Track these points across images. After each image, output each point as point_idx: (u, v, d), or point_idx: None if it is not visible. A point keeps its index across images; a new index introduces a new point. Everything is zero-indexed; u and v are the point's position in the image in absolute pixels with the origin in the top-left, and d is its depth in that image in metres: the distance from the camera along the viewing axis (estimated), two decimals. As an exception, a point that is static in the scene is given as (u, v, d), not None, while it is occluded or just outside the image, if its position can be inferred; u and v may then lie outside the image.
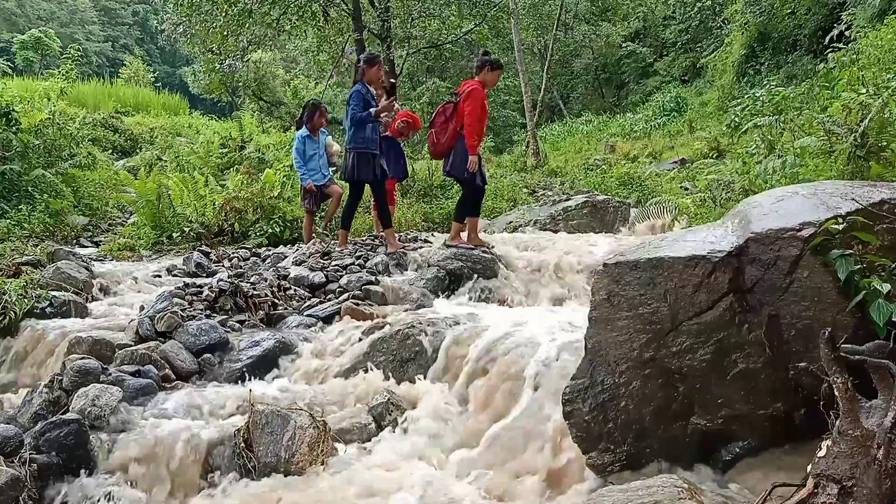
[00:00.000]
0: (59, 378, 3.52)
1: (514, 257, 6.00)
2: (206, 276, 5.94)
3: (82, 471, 3.06)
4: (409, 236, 7.25)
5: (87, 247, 8.22)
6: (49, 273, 5.40)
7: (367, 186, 6.44)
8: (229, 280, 5.04)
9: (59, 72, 12.63)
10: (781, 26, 17.23)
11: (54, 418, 3.15)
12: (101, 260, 7.14)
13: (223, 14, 14.49)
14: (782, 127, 5.45)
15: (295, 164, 7.48)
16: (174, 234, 7.97)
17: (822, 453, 2.04)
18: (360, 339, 4.22)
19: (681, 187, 10.65)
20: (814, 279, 2.35)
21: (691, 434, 2.50)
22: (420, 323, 4.09)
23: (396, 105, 6.68)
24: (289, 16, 14.99)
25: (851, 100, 5.15)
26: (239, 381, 3.89)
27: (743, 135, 7.52)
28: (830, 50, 8.34)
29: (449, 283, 5.46)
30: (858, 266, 2.27)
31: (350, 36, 15.76)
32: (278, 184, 8.57)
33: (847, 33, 11.65)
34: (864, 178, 4.33)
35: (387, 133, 7.34)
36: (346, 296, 5.04)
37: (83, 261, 6.12)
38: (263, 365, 4.06)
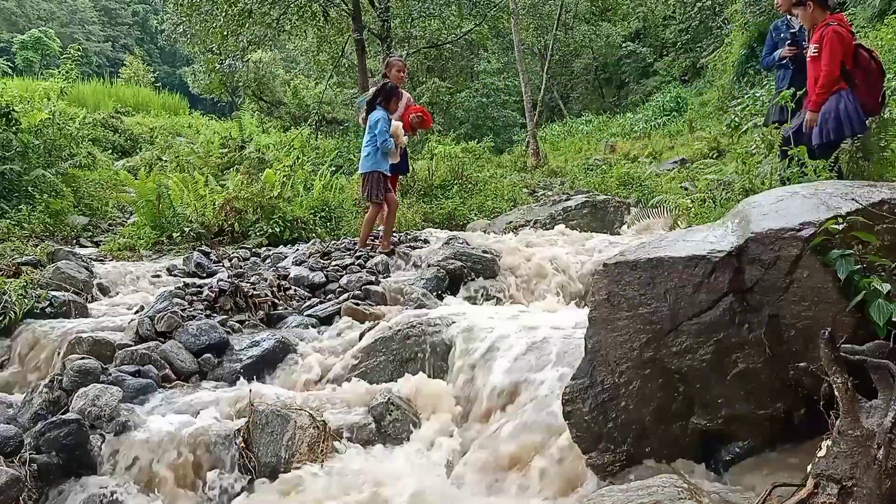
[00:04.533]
0: (59, 378, 3.52)
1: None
2: (206, 276, 5.94)
3: (82, 471, 3.06)
4: (409, 236, 7.25)
5: (87, 247, 8.22)
6: (49, 273, 5.40)
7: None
8: (229, 280, 5.04)
9: (59, 72, 12.63)
10: (782, 26, 17.22)
11: (54, 418, 3.15)
12: (101, 260, 7.14)
13: (223, 14, 14.50)
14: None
15: (382, 141, 6.29)
16: (174, 234, 7.97)
17: (822, 453, 2.04)
18: (360, 339, 4.22)
19: (681, 187, 10.66)
20: (814, 279, 2.35)
21: (691, 434, 2.50)
22: (420, 323, 4.08)
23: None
24: (289, 16, 15.00)
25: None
26: (239, 381, 3.89)
27: (743, 135, 7.51)
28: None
29: (449, 283, 5.47)
30: (858, 266, 2.27)
31: (350, 36, 15.77)
32: (278, 184, 8.57)
33: (847, 33, 11.62)
34: (864, 178, 4.33)
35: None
36: (346, 296, 5.04)
37: (83, 261, 6.12)
38: (263, 365, 4.06)
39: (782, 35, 5.92)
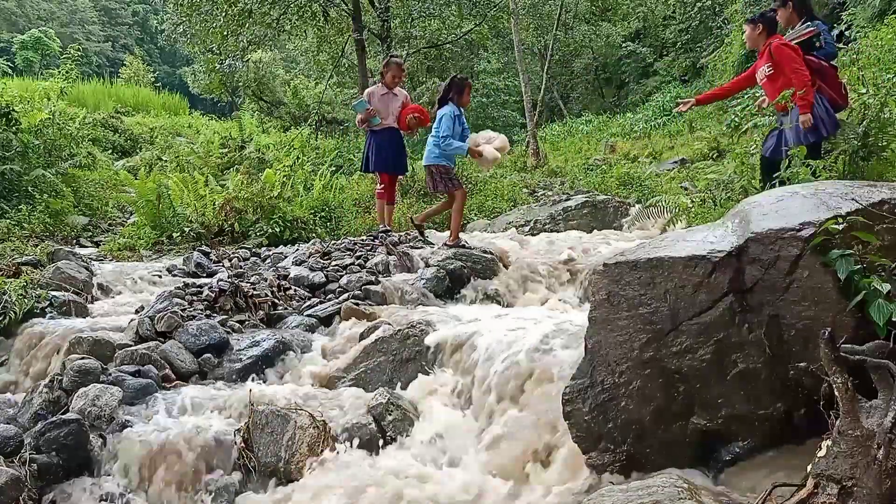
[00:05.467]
0: (59, 378, 3.53)
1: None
2: (206, 276, 5.94)
3: (82, 471, 3.07)
4: (409, 236, 7.24)
5: (87, 247, 8.21)
6: (49, 273, 5.40)
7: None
8: (229, 280, 5.04)
9: (59, 72, 12.62)
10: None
11: (54, 418, 3.16)
12: (101, 260, 7.13)
13: (223, 14, 14.50)
14: (782, 127, 5.44)
15: (444, 142, 5.95)
16: (174, 234, 7.97)
17: (822, 453, 2.04)
18: (360, 339, 4.22)
19: (681, 187, 10.65)
20: (814, 279, 2.35)
21: (691, 434, 2.50)
22: (420, 323, 4.09)
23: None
24: (289, 16, 15.00)
25: (852, 100, 5.15)
26: (239, 381, 3.89)
27: (743, 135, 7.51)
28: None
29: (449, 283, 5.47)
30: (858, 266, 2.27)
31: (350, 36, 15.77)
32: (278, 184, 8.57)
33: (847, 33, 11.65)
34: (864, 178, 4.33)
35: (393, 125, 7.03)
36: (346, 296, 5.04)
37: (83, 261, 6.11)
38: (263, 365, 4.06)
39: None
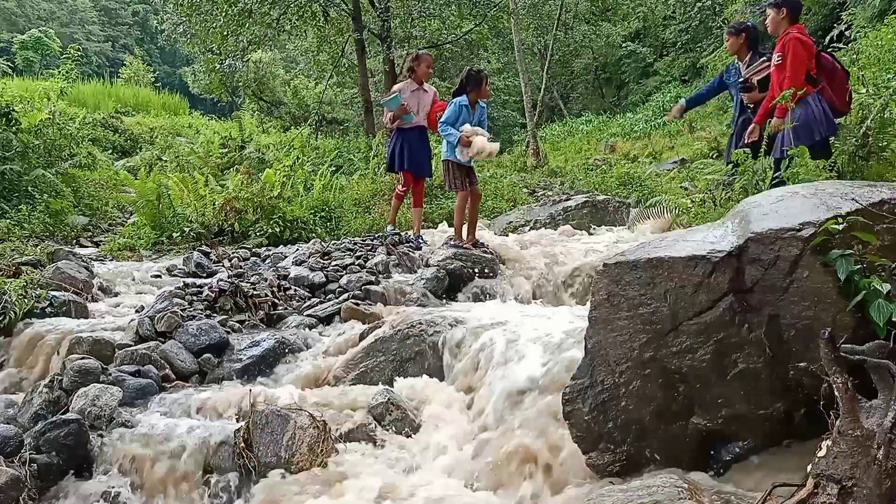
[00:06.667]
0: (59, 378, 3.53)
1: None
2: (206, 276, 5.94)
3: (82, 471, 3.06)
4: (409, 236, 7.24)
5: (87, 247, 8.22)
6: (49, 273, 5.40)
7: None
8: (229, 280, 5.04)
9: (59, 72, 12.63)
10: (781, 26, 17.21)
11: (54, 418, 3.16)
12: (101, 260, 7.14)
13: (223, 14, 14.51)
14: (783, 126, 5.44)
15: (440, 128, 6.10)
16: (174, 234, 7.98)
17: (822, 453, 2.04)
18: (360, 339, 4.22)
19: (681, 187, 10.64)
20: (814, 279, 2.35)
21: (691, 434, 2.50)
22: (420, 323, 4.08)
23: None
24: (289, 16, 15.01)
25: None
26: (239, 381, 3.89)
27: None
28: (830, 50, 8.34)
29: (449, 283, 5.47)
30: (858, 266, 2.27)
31: (350, 36, 15.78)
32: (278, 184, 8.57)
33: (847, 33, 11.66)
34: (864, 178, 4.33)
35: (423, 124, 6.86)
36: (346, 296, 5.05)
37: (83, 261, 6.11)
38: (263, 365, 4.07)
39: (732, 79, 6.23)
